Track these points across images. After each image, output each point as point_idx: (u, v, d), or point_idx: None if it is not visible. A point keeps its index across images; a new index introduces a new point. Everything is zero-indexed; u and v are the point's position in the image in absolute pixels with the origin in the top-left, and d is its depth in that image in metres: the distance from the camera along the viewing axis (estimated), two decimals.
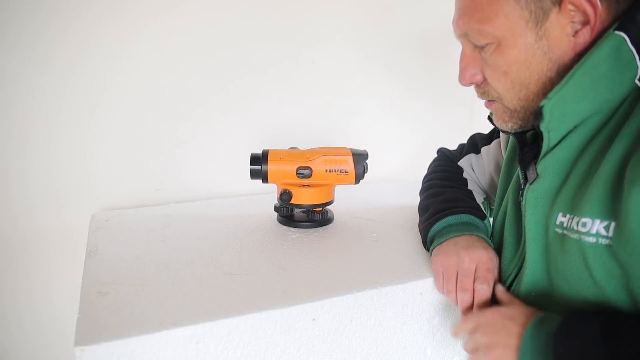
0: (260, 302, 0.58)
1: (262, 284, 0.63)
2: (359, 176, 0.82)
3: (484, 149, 0.80)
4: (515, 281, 0.59)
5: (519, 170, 0.59)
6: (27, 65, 0.85)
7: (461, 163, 0.83)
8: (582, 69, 0.47)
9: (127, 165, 0.97)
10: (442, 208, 0.71)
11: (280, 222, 0.86)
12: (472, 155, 0.82)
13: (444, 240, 0.66)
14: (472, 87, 0.60)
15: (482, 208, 0.74)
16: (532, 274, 0.56)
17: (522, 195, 0.57)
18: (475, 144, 0.82)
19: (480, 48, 0.53)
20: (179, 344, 0.53)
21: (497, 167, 0.77)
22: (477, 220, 0.69)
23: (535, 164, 0.55)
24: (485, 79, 0.55)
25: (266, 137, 1.05)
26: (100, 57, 0.89)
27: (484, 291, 0.60)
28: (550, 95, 0.49)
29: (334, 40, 1.07)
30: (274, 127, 1.06)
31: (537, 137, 0.56)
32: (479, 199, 0.77)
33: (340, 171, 0.82)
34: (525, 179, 0.57)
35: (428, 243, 0.71)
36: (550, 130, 0.51)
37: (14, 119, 0.87)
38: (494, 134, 0.79)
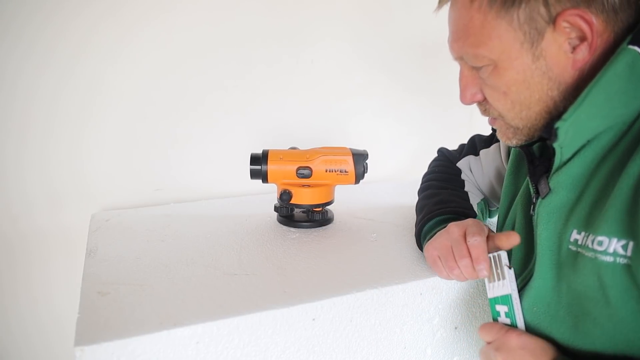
0: (260, 302, 0.58)
1: (262, 284, 0.63)
2: (359, 176, 0.82)
3: (482, 152, 0.79)
4: (520, 294, 0.58)
5: (528, 183, 0.58)
6: (26, 65, 0.85)
7: (460, 164, 0.83)
8: (597, 87, 0.46)
9: (126, 165, 0.97)
10: (434, 209, 0.72)
11: (280, 222, 0.86)
12: (470, 157, 0.81)
13: (434, 234, 0.67)
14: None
15: (476, 209, 0.74)
16: (539, 289, 0.55)
17: (533, 209, 0.56)
18: (475, 146, 0.82)
19: (478, 69, 0.52)
20: (179, 344, 0.53)
21: (496, 171, 0.77)
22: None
23: (547, 178, 0.54)
24: (486, 99, 0.55)
25: (266, 137, 1.05)
26: (100, 57, 0.89)
27: (477, 242, 0.58)
28: (565, 116, 0.48)
29: (334, 40, 1.07)
30: (273, 127, 1.06)
31: (546, 149, 0.55)
32: (476, 199, 0.77)
33: (340, 171, 0.81)
34: (537, 193, 0.55)
35: (421, 241, 0.71)
36: (563, 146, 0.50)
37: (14, 119, 0.87)
38: (494, 137, 0.79)
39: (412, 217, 0.90)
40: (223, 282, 0.63)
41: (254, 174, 0.81)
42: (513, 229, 0.62)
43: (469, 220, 0.64)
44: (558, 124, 0.48)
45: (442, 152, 0.89)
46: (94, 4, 0.86)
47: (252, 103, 1.04)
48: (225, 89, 1.01)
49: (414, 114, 1.22)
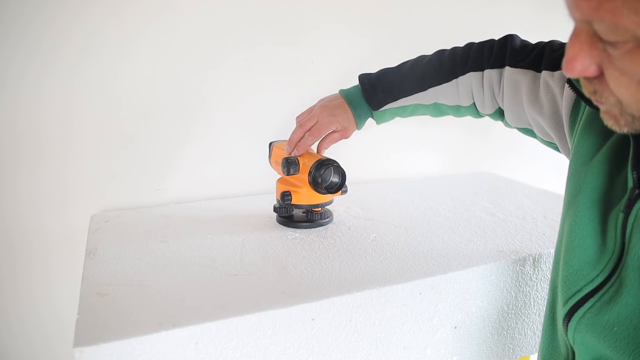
0: (259, 302, 0.58)
1: (262, 284, 0.63)
2: None
3: (546, 74, 0.62)
4: (595, 304, 0.47)
5: (628, 173, 0.45)
6: (30, 65, 0.85)
7: (508, 74, 0.67)
8: None
9: (126, 165, 0.97)
10: (381, 74, 0.79)
11: (280, 222, 0.86)
12: (529, 72, 0.65)
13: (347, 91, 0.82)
14: None
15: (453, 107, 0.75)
16: (626, 307, 0.44)
17: (627, 208, 0.44)
18: (540, 60, 0.63)
19: (607, 42, 0.37)
20: (178, 344, 0.53)
21: (550, 103, 0.62)
22: (357, 100, 0.79)
23: None
24: (602, 76, 0.39)
25: (266, 137, 1.05)
26: (102, 58, 0.89)
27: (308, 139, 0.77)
28: None
29: (334, 40, 1.07)
30: (273, 128, 1.06)
31: None
32: (461, 99, 0.73)
33: None
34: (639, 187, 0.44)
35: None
36: None
37: (17, 120, 0.87)
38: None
39: (412, 217, 0.90)
40: (222, 283, 0.63)
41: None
42: (580, 213, 0.50)
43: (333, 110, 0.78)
44: None
45: (512, 40, 0.69)
46: (94, 6, 0.86)
47: (252, 103, 1.04)
48: (226, 90, 1.01)
49: None
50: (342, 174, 0.79)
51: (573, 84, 0.50)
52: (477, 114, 0.77)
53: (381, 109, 0.79)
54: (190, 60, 0.96)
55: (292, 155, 0.80)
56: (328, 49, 1.07)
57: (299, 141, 0.80)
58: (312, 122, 0.79)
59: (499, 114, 0.74)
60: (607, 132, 0.49)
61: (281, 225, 0.85)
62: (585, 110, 0.54)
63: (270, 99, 1.05)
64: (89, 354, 0.49)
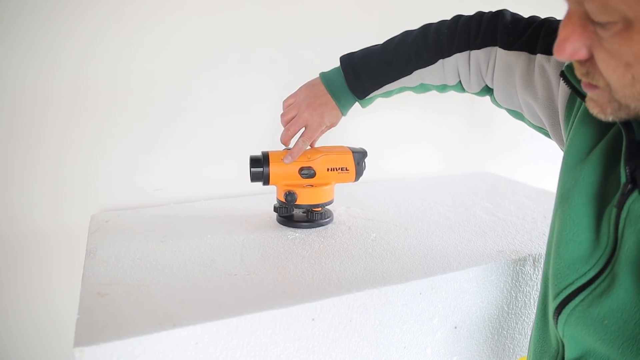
0: (259, 302, 0.58)
1: (262, 284, 0.63)
2: (359, 173, 0.83)
3: (541, 58, 0.60)
4: (586, 297, 0.47)
5: (621, 168, 0.45)
6: (30, 65, 0.85)
7: (500, 55, 0.65)
8: None
9: (126, 165, 0.97)
10: (363, 55, 0.77)
11: (280, 222, 0.86)
12: (523, 55, 0.63)
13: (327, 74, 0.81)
14: None
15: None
16: (617, 300, 0.44)
17: (621, 203, 0.44)
18: (535, 41, 0.62)
19: (598, 23, 0.37)
20: (178, 344, 0.53)
21: (544, 88, 0.61)
22: (338, 87, 0.78)
23: None
24: (593, 59, 0.39)
25: (266, 137, 1.05)
26: (101, 58, 0.89)
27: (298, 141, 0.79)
28: None
29: (334, 40, 1.07)
30: (273, 128, 1.06)
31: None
32: (447, 79, 0.72)
33: (342, 169, 0.82)
34: (633, 182, 0.43)
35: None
36: None
37: (17, 119, 0.87)
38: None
39: (412, 217, 0.90)
40: (222, 283, 0.63)
41: (255, 177, 0.80)
42: (572, 207, 0.50)
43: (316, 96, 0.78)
44: None
45: (502, 17, 0.67)
46: (95, 7, 0.86)
47: (252, 103, 1.04)
48: (225, 89, 1.01)
49: (415, 112, 1.22)
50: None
51: (567, 78, 0.50)
52: (463, 91, 0.76)
53: (367, 97, 0.78)
54: (190, 60, 0.96)
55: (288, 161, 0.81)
56: (328, 50, 1.07)
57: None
58: (301, 125, 0.79)
59: (486, 91, 0.73)
60: (604, 127, 0.49)
61: (281, 225, 0.85)
62: (582, 104, 0.53)
63: (270, 98, 1.05)
64: (89, 354, 0.49)
